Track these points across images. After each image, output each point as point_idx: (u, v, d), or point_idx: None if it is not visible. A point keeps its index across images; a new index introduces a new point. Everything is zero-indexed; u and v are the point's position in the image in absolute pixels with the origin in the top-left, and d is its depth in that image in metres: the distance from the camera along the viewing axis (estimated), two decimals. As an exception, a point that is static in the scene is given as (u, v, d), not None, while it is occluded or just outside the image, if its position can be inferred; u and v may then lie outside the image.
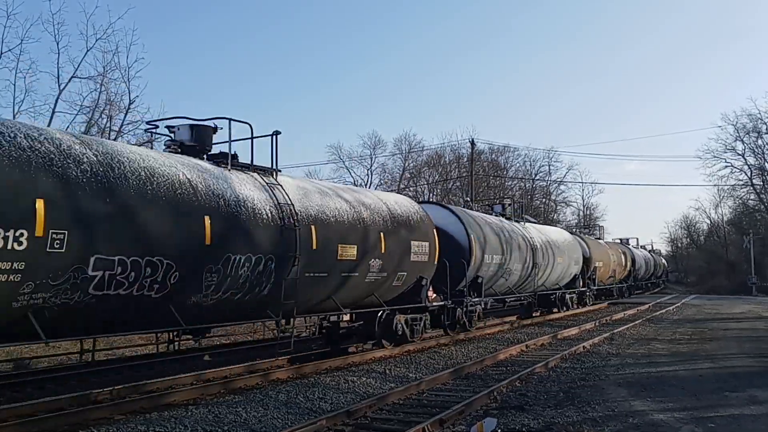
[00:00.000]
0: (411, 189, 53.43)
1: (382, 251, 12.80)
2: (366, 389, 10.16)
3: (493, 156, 58.86)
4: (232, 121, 10.66)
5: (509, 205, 24.54)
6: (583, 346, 15.49)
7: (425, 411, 8.63)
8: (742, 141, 56.98)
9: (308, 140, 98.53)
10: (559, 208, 66.24)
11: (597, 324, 22.02)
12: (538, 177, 63.29)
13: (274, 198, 10.42)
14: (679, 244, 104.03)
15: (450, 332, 16.88)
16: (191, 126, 10.59)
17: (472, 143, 42.30)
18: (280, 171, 11.40)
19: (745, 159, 57.36)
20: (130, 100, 24.43)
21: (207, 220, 8.91)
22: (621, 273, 38.91)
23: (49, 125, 20.68)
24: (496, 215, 22.28)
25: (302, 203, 10.97)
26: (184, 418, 7.91)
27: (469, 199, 33.90)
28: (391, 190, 48.73)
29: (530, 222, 25.53)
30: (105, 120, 24.61)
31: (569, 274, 26.56)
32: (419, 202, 17.52)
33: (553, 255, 23.82)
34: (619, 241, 49.27)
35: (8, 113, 21.92)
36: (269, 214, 10.09)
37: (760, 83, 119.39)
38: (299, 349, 13.18)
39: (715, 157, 57.50)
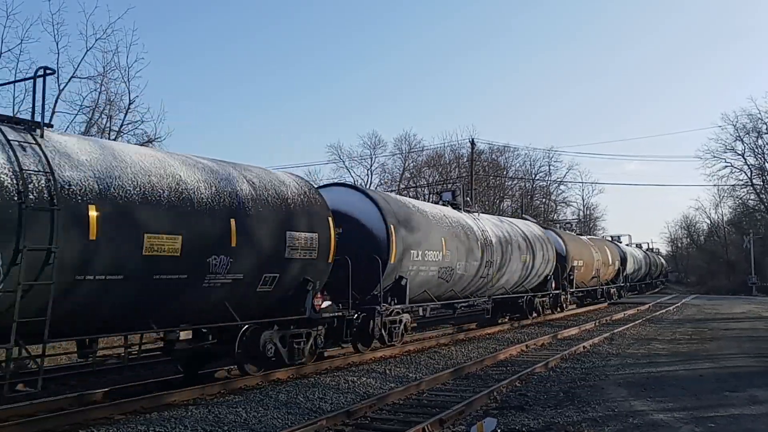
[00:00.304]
0: (411, 189, 53.47)
1: (233, 245, 9.48)
2: (366, 389, 10.15)
3: (493, 156, 58.94)
4: None
5: (459, 194, 20.56)
6: (583, 346, 15.49)
7: (425, 411, 8.63)
8: (742, 141, 57.02)
9: (308, 140, 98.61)
10: (559, 208, 66.27)
11: (597, 324, 22.02)
12: (538, 177, 63.34)
13: (16, 163, 7.16)
14: (679, 244, 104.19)
15: (363, 348, 13.48)
16: None
17: (472, 143, 42.31)
18: (50, 126, 8.43)
19: (745, 159, 57.40)
20: (130, 100, 24.43)
21: None
22: (607, 273, 33.99)
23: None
24: (445, 204, 18.95)
25: (78, 173, 7.71)
26: (184, 418, 7.91)
27: (468, 198, 33.90)
28: (391, 191, 48.75)
29: (492, 215, 23.04)
30: (105, 120, 24.62)
31: (538, 275, 22.99)
32: (321, 187, 14.00)
33: (516, 252, 20.37)
34: (609, 238, 45.66)
35: (8, 113, 21.90)
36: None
37: (760, 83, 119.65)
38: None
39: (714, 157, 57.55)
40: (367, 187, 47.69)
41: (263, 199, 10.27)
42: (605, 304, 33.35)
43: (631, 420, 7.97)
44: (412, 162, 56.72)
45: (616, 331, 19.09)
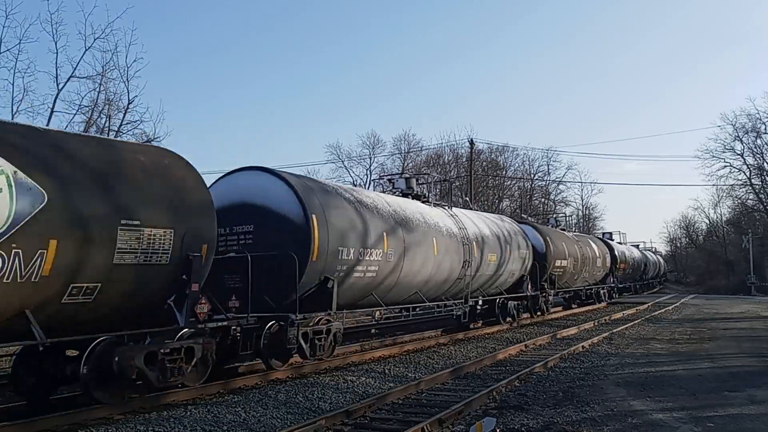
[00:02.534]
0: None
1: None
2: (365, 389, 10.16)
3: (493, 156, 58.98)
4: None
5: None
6: (582, 346, 15.50)
7: (424, 411, 8.63)
8: (741, 141, 57.14)
9: (307, 140, 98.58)
10: (558, 207, 66.29)
11: (596, 324, 22.03)
12: (536, 177, 63.37)
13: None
14: (678, 244, 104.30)
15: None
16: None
17: (471, 143, 42.33)
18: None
19: (744, 159, 57.53)
20: (129, 100, 24.46)
21: None
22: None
23: (47, 125, 20.66)
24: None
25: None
26: (183, 418, 7.91)
27: (468, 198, 33.90)
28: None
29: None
30: (104, 120, 24.62)
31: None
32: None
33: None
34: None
35: (7, 113, 21.93)
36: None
37: (759, 83, 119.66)
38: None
39: (713, 157, 57.69)
40: (367, 186, 47.70)
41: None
42: (604, 304, 33.31)
43: (630, 420, 7.98)
44: (411, 162, 56.73)
45: (615, 330, 19.10)
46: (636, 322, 22.70)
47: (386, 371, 11.80)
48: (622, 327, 20.38)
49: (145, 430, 7.42)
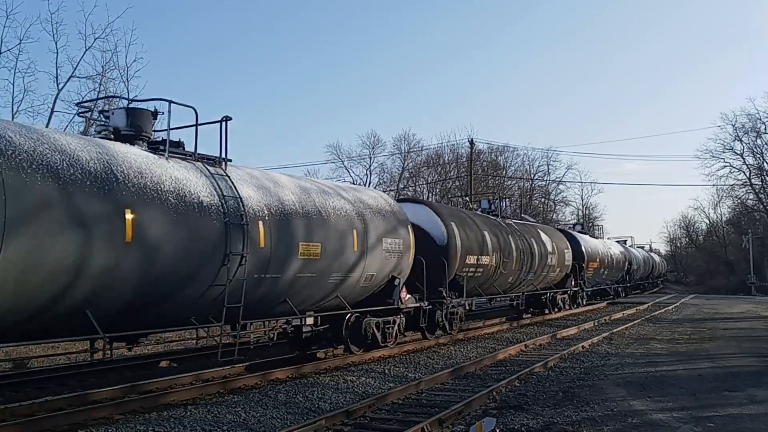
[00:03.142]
0: (410, 189, 53.49)
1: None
2: (365, 389, 10.16)
3: (493, 155, 58.99)
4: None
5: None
6: (582, 346, 15.51)
7: (424, 411, 8.63)
8: (740, 141, 57.23)
9: (307, 140, 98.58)
10: (558, 207, 66.34)
11: (596, 323, 22.04)
12: (537, 177, 63.37)
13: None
14: (678, 244, 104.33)
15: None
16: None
17: (471, 143, 42.32)
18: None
19: (744, 159, 57.61)
20: (129, 100, 24.42)
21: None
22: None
23: (47, 125, 20.69)
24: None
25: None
26: (183, 418, 7.91)
27: (468, 198, 33.92)
28: (391, 191, 48.78)
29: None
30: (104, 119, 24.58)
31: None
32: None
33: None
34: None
35: (7, 113, 21.95)
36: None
37: (759, 83, 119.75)
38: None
39: (713, 156, 57.77)
40: (368, 186, 47.73)
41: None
42: (604, 304, 33.32)
43: (630, 419, 7.98)
44: (411, 162, 56.77)
45: (615, 330, 19.11)
46: (636, 322, 22.71)
47: (386, 371, 11.80)
48: (622, 327, 20.40)
49: (145, 430, 7.42)
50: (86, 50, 24.76)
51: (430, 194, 53.04)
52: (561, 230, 29.65)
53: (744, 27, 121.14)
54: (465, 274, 17.10)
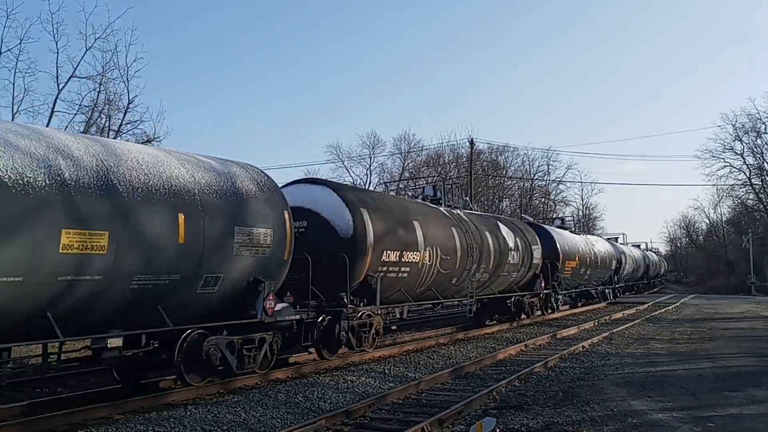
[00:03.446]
0: (410, 189, 53.43)
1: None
2: (365, 389, 10.16)
3: (493, 155, 58.99)
4: None
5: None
6: (582, 346, 15.50)
7: (424, 411, 8.63)
8: (740, 141, 57.21)
9: (307, 140, 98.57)
10: (558, 207, 66.33)
11: (596, 323, 22.04)
12: (537, 177, 63.37)
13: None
14: (678, 244, 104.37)
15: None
16: None
17: (471, 143, 42.31)
18: None
19: (744, 159, 57.60)
20: (129, 100, 24.48)
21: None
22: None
23: (47, 125, 20.68)
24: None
25: None
26: (183, 418, 7.91)
27: (468, 198, 33.91)
28: (391, 191, 48.68)
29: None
30: (104, 120, 24.65)
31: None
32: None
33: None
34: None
35: (7, 113, 21.96)
36: None
37: (759, 83, 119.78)
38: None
39: (714, 156, 57.77)
40: (367, 186, 47.72)
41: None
42: (604, 304, 33.29)
43: (630, 419, 7.98)
44: (411, 162, 56.80)
45: (615, 330, 19.10)
46: (636, 321, 22.71)
47: (386, 371, 11.80)
48: (622, 327, 20.39)
49: (145, 430, 7.42)
50: (87, 50, 24.75)
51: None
52: (532, 224, 25.76)
53: (744, 27, 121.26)
54: (381, 274, 13.12)
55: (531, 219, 27.60)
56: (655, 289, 56.84)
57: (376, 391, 9.95)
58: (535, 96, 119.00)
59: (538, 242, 22.88)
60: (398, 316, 14.97)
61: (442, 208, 17.39)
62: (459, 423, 7.98)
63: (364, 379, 10.92)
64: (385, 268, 13.22)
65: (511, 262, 19.92)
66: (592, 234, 47.91)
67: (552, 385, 10.46)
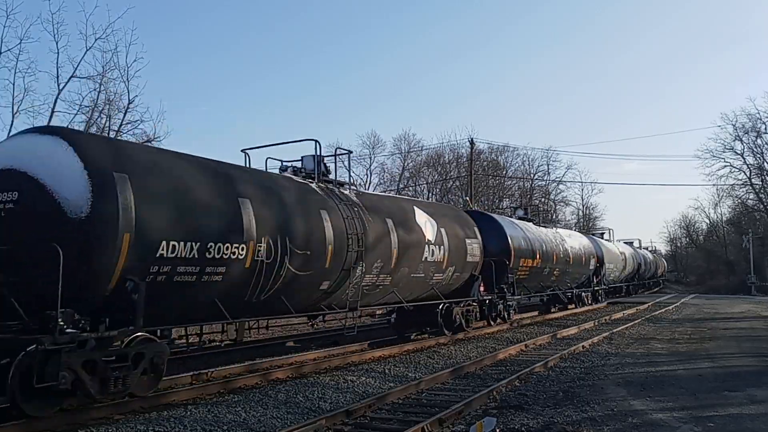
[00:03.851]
0: (410, 189, 53.50)
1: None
2: (365, 389, 10.16)
3: (493, 155, 58.98)
4: None
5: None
6: (582, 346, 15.50)
7: (424, 410, 8.63)
8: (741, 140, 57.20)
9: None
10: (558, 207, 66.31)
11: (596, 323, 22.04)
12: (537, 177, 63.36)
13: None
14: (678, 244, 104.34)
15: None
16: None
17: (471, 143, 42.28)
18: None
19: (744, 158, 57.60)
20: (129, 100, 24.50)
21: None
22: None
23: (47, 125, 20.66)
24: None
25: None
26: (183, 418, 7.91)
27: (468, 198, 33.94)
28: (391, 191, 48.75)
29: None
30: (104, 120, 24.66)
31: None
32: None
33: None
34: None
35: (7, 113, 22.00)
36: None
37: (759, 83, 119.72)
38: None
39: (714, 156, 57.75)
40: (367, 187, 47.69)
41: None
42: (604, 304, 33.25)
43: (630, 419, 7.98)
44: (411, 162, 56.79)
45: (615, 330, 19.10)
46: (636, 321, 22.70)
47: (386, 371, 11.80)
48: (623, 327, 20.39)
49: (145, 429, 7.42)
50: (87, 50, 24.81)
51: (430, 194, 53.07)
52: (472, 212, 20.54)
53: (744, 27, 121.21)
54: (152, 277, 8.31)
55: (475, 208, 23.81)
56: (654, 290, 56.78)
57: (377, 390, 9.96)
58: (535, 96, 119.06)
59: (477, 235, 17.89)
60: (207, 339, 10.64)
61: (313, 184, 12.49)
62: (459, 423, 7.98)
63: (364, 378, 10.92)
64: (164, 269, 8.44)
65: (429, 259, 15.09)
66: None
67: (552, 385, 10.46)
